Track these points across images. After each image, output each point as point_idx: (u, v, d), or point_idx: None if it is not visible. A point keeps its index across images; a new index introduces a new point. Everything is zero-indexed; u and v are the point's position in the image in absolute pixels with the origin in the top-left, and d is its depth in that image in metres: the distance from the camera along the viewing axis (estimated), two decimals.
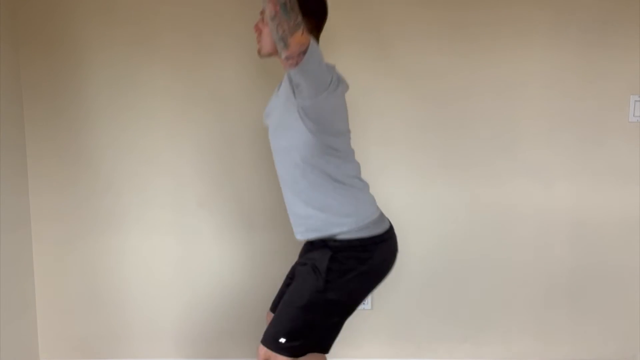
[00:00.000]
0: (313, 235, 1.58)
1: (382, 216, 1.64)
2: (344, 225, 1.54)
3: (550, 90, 2.16)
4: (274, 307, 1.79)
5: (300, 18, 1.33)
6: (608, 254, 2.24)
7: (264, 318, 1.88)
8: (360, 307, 2.27)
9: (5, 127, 2.09)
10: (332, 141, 1.53)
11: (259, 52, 1.59)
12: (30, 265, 2.27)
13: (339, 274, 1.52)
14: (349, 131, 1.62)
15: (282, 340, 1.52)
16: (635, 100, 2.15)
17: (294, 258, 1.82)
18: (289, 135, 1.52)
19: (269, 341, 1.54)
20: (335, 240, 1.55)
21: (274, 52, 1.56)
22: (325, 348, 1.58)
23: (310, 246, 1.66)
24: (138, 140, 2.21)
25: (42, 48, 2.17)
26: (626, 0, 2.11)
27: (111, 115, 2.20)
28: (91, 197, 2.24)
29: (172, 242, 2.27)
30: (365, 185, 1.65)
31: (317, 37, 1.58)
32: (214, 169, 2.23)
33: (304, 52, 1.35)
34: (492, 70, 2.15)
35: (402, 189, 2.22)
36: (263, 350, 1.54)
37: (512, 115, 2.18)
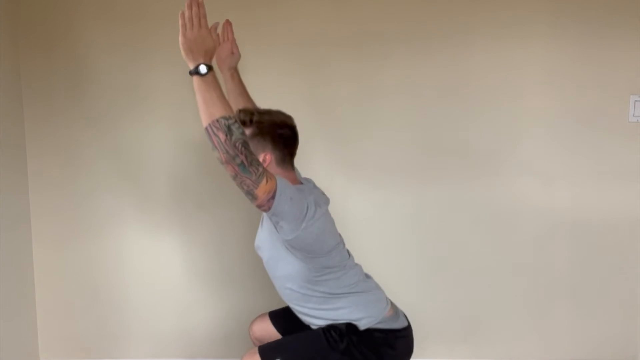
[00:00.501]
0: (328, 322, 1.58)
1: (396, 311, 1.64)
2: (360, 322, 1.55)
3: (550, 90, 2.16)
4: (273, 316, 1.80)
5: (261, 168, 1.33)
6: (608, 254, 2.23)
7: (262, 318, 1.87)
8: None
9: (6, 126, 2.09)
10: (324, 261, 1.52)
11: (220, 161, 1.56)
12: (30, 265, 2.27)
13: (360, 348, 1.52)
14: (340, 241, 1.61)
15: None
16: (635, 100, 2.15)
17: None
18: (281, 267, 1.54)
19: (267, 354, 1.53)
20: (354, 327, 1.55)
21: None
22: None
23: None
24: (138, 140, 2.21)
25: (42, 47, 2.17)
26: (626, 0, 2.11)
27: (111, 114, 2.20)
28: (91, 196, 2.24)
29: (172, 241, 2.27)
30: (371, 285, 1.64)
31: (290, 162, 1.57)
32: (214, 169, 2.23)
33: (273, 197, 1.36)
34: (492, 70, 2.15)
35: (402, 188, 2.22)
36: (255, 355, 1.54)
37: (512, 115, 2.18)
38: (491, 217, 2.23)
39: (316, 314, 1.57)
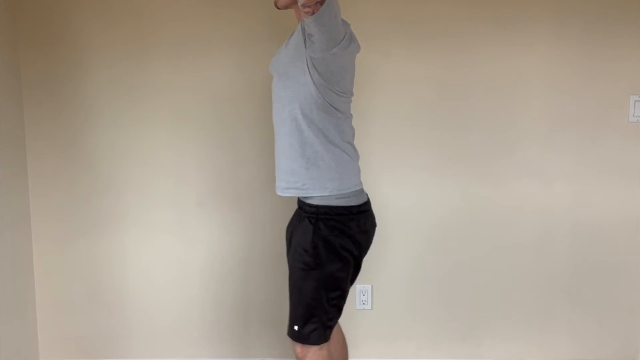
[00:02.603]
0: (292, 193, 1.58)
1: (362, 190, 1.64)
2: (326, 189, 1.53)
3: (550, 90, 2.16)
4: None
5: None
6: (608, 253, 2.24)
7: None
8: (360, 307, 2.29)
9: (6, 126, 2.09)
10: (334, 99, 1.51)
11: (276, 3, 1.59)
12: (30, 265, 2.27)
13: (324, 247, 1.52)
14: (352, 94, 1.61)
15: (296, 327, 1.54)
16: (635, 100, 2.15)
17: None
18: (292, 86, 1.51)
19: (290, 333, 1.57)
20: (312, 206, 1.55)
21: (291, 4, 1.56)
22: (326, 334, 1.59)
23: (293, 221, 1.66)
24: (138, 140, 2.21)
25: (42, 47, 2.17)
26: (626, 0, 2.11)
27: (111, 114, 2.20)
28: (91, 196, 2.24)
29: (172, 241, 2.27)
30: (356, 155, 1.63)
31: None
32: (214, 168, 2.23)
33: (322, 2, 1.34)
34: (492, 70, 2.15)
35: (401, 188, 2.22)
36: (293, 344, 1.58)
37: (511, 115, 2.18)
38: (491, 217, 2.23)
39: (297, 152, 1.52)
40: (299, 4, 1.37)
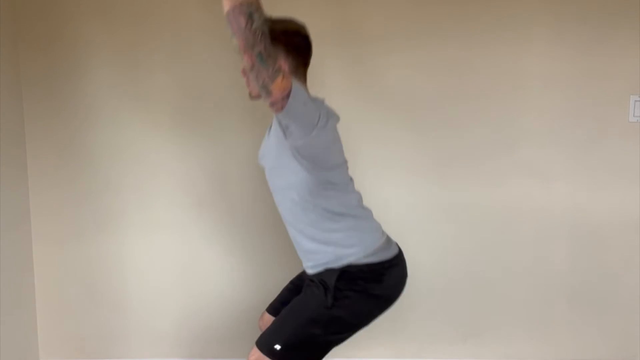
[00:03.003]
0: (322, 269, 1.57)
1: (389, 241, 1.63)
2: (351, 256, 1.53)
3: (549, 90, 2.16)
4: (271, 309, 1.79)
5: (278, 64, 1.32)
6: (608, 253, 2.24)
7: (258, 325, 1.87)
8: None
9: (6, 125, 2.09)
10: (329, 176, 1.52)
11: (250, 95, 1.58)
12: (30, 265, 2.27)
13: (347, 293, 1.52)
14: (345, 162, 1.61)
15: (277, 347, 1.50)
16: (635, 100, 2.15)
17: (293, 260, 1.82)
18: (285, 176, 1.53)
19: (264, 345, 1.52)
20: (344, 268, 1.55)
21: None
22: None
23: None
24: (138, 139, 2.22)
25: (42, 46, 2.17)
26: (626, 0, 2.11)
27: (111, 113, 2.20)
28: (91, 196, 2.24)
29: (172, 241, 2.27)
30: (368, 213, 1.64)
31: (304, 73, 1.57)
32: (214, 168, 2.23)
33: (287, 96, 1.34)
34: (491, 70, 2.15)
35: (400, 189, 2.22)
36: (256, 353, 1.53)
37: (511, 115, 2.18)
38: (491, 217, 2.23)
39: (310, 233, 1.54)
40: (267, 104, 1.37)
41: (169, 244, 2.27)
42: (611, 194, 2.20)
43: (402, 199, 2.22)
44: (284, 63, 1.48)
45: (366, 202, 2.24)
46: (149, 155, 2.22)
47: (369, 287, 1.53)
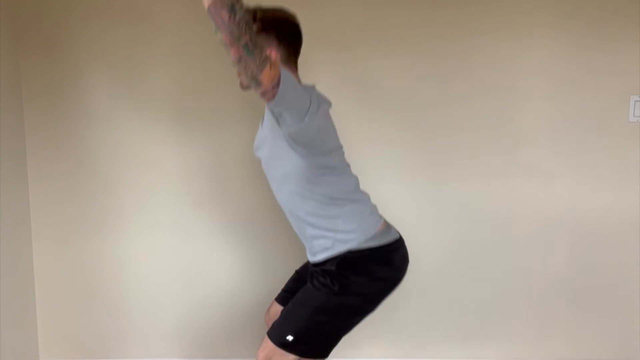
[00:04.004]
0: (324, 255, 1.58)
1: (388, 226, 1.64)
2: (352, 241, 1.55)
3: (549, 90, 2.16)
4: (279, 299, 1.80)
5: (265, 53, 1.31)
6: (608, 253, 2.24)
7: (264, 318, 1.88)
8: None
9: (5, 124, 2.09)
10: (325, 160, 1.53)
11: (241, 85, 1.57)
12: (30, 265, 2.27)
13: (352, 278, 1.53)
14: (340, 147, 1.62)
15: (289, 337, 1.52)
16: (635, 100, 2.15)
17: (293, 258, 1.82)
18: (282, 165, 1.53)
19: (276, 336, 1.55)
20: (347, 254, 1.56)
21: None
22: (325, 354, 1.59)
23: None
24: (138, 139, 2.21)
25: (42, 45, 2.17)
26: (626, 1, 2.11)
27: (110, 113, 2.20)
28: (91, 196, 2.24)
29: (172, 242, 2.27)
30: (366, 197, 1.65)
31: (295, 62, 1.58)
32: (214, 169, 2.23)
33: (277, 84, 1.34)
34: (491, 70, 2.15)
35: (401, 189, 2.22)
36: (269, 344, 1.55)
37: (511, 115, 2.18)
38: (491, 217, 2.23)
39: (311, 221, 1.56)
40: (258, 94, 1.37)
41: (169, 245, 2.27)
42: (611, 194, 2.20)
43: (401, 198, 2.22)
44: (274, 52, 1.48)
45: None
46: (148, 154, 2.22)
47: (373, 270, 1.55)
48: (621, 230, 2.22)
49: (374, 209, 1.65)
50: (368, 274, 1.55)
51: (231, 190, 2.25)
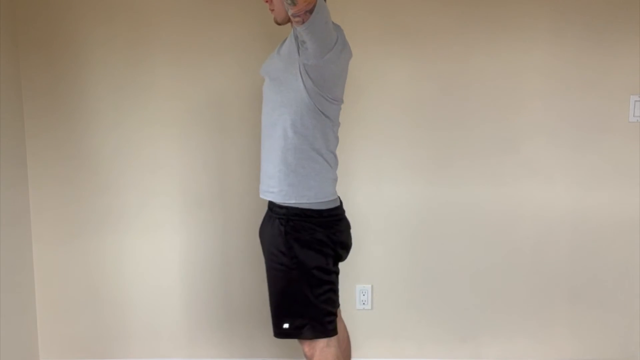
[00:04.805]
0: (270, 197, 1.60)
1: (337, 199, 1.65)
2: (303, 197, 1.55)
3: (550, 90, 2.16)
4: None
5: None
6: (608, 253, 2.23)
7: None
8: (360, 307, 2.28)
9: (6, 124, 2.09)
10: (325, 106, 1.53)
11: (275, 20, 1.60)
12: (30, 265, 2.27)
13: (299, 245, 1.54)
14: (342, 101, 1.62)
15: (286, 325, 1.55)
16: (635, 100, 2.15)
17: None
18: (284, 91, 1.53)
19: (278, 332, 1.58)
20: (282, 207, 1.57)
21: (289, 19, 1.56)
22: (326, 328, 1.58)
23: (264, 224, 1.68)
24: (138, 139, 2.21)
25: (42, 45, 2.17)
26: (626, 0, 2.11)
27: (110, 112, 2.20)
28: (91, 196, 2.24)
29: (172, 241, 2.27)
30: (336, 163, 1.65)
31: None
32: (215, 168, 2.23)
33: (311, 11, 1.35)
34: (491, 70, 2.15)
35: (400, 188, 2.22)
36: (303, 345, 1.58)
37: (511, 115, 2.18)
38: (491, 217, 2.23)
39: (278, 157, 1.54)
40: (289, 14, 1.38)
41: (169, 245, 2.27)
42: (611, 194, 2.20)
43: (401, 198, 2.22)
44: None
45: (364, 200, 2.26)
46: (148, 154, 2.22)
47: (314, 232, 1.55)
48: (621, 229, 2.22)
49: (336, 177, 1.64)
50: (310, 237, 1.54)
51: (232, 191, 2.24)
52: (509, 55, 2.15)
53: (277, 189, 1.57)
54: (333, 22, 1.48)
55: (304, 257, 1.53)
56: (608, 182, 2.19)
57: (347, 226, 1.68)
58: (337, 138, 1.64)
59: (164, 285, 2.29)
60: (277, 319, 1.58)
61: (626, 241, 2.22)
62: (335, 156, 1.63)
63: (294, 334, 1.56)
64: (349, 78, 2.16)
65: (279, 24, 1.60)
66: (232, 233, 2.26)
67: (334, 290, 1.61)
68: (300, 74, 1.48)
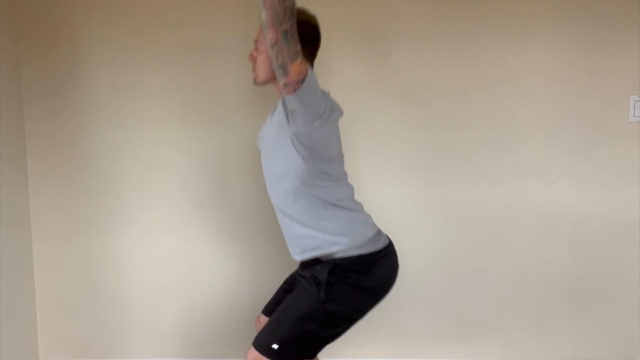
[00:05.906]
0: (310, 255, 1.58)
1: (379, 233, 1.64)
2: (341, 244, 1.54)
3: (550, 90, 2.16)
4: (266, 311, 1.79)
5: (299, 47, 1.33)
6: (608, 254, 2.24)
7: (255, 327, 1.87)
8: None
9: (6, 124, 2.09)
10: (324, 167, 1.53)
11: (255, 80, 1.60)
12: (30, 265, 2.27)
13: (339, 286, 1.52)
14: (342, 155, 1.62)
15: (275, 346, 1.51)
16: (635, 100, 2.15)
17: (291, 260, 1.81)
18: (281, 162, 1.54)
19: (261, 345, 1.53)
20: (334, 259, 1.55)
21: (270, 80, 1.59)
22: (312, 355, 1.58)
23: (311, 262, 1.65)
24: (138, 138, 2.21)
25: (42, 46, 2.17)
26: (626, 1, 2.11)
27: (110, 113, 2.20)
28: (91, 196, 2.24)
29: (172, 242, 2.27)
30: (359, 207, 1.65)
31: (311, 64, 1.59)
32: (214, 169, 2.23)
33: (302, 81, 1.36)
34: (491, 70, 2.15)
35: (400, 188, 2.22)
36: (253, 353, 1.53)
37: (511, 116, 2.18)
38: (491, 217, 2.23)
39: (301, 219, 1.55)
40: (280, 84, 1.38)
41: (169, 244, 2.27)
42: (611, 194, 2.20)
43: (402, 198, 2.22)
44: None
45: (365, 201, 2.25)
46: (149, 154, 2.22)
47: (361, 279, 1.54)
48: (621, 230, 2.22)
49: (367, 218, 1.64)
50: (355, 283, 1.53)
51: (232, 192, 2.25)
52: (509, 55, 2.15)
53: (315, 245, 1.56)
54: (321, 90, 1.49)
55: (340, 297, 1.52)
56: (608, 182, 2.20)
57: (392, 269, 1.63)
58: (348, 188, 1.63)
59: (164, 285, 2.29)
60: (271, 337, 1.53)
61: (626, 241, 2.23)
62: (354, 202, 1.63)
63: (276, 356, 1.51)
64: (349, 78, 2.18)
65: (257, 84, 1.61)
66: (232, 233, 2.26)
67: (340, 335, 1.59)
68: (293, 143, 1.48)
